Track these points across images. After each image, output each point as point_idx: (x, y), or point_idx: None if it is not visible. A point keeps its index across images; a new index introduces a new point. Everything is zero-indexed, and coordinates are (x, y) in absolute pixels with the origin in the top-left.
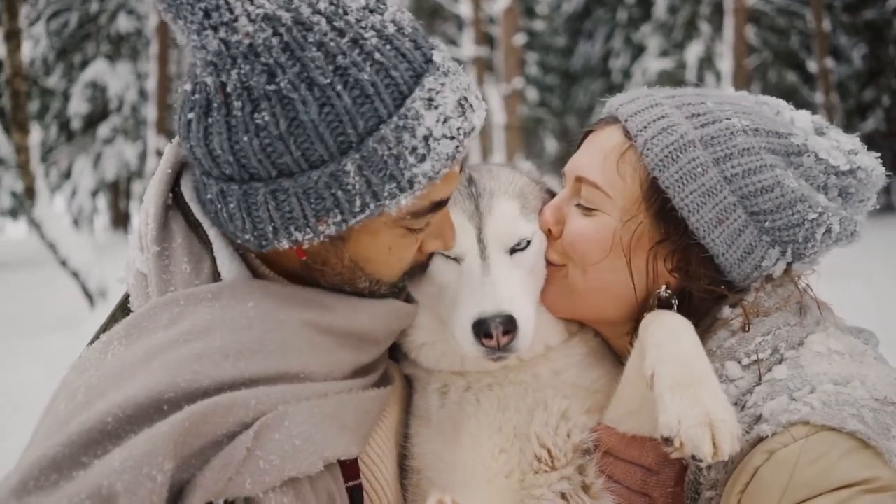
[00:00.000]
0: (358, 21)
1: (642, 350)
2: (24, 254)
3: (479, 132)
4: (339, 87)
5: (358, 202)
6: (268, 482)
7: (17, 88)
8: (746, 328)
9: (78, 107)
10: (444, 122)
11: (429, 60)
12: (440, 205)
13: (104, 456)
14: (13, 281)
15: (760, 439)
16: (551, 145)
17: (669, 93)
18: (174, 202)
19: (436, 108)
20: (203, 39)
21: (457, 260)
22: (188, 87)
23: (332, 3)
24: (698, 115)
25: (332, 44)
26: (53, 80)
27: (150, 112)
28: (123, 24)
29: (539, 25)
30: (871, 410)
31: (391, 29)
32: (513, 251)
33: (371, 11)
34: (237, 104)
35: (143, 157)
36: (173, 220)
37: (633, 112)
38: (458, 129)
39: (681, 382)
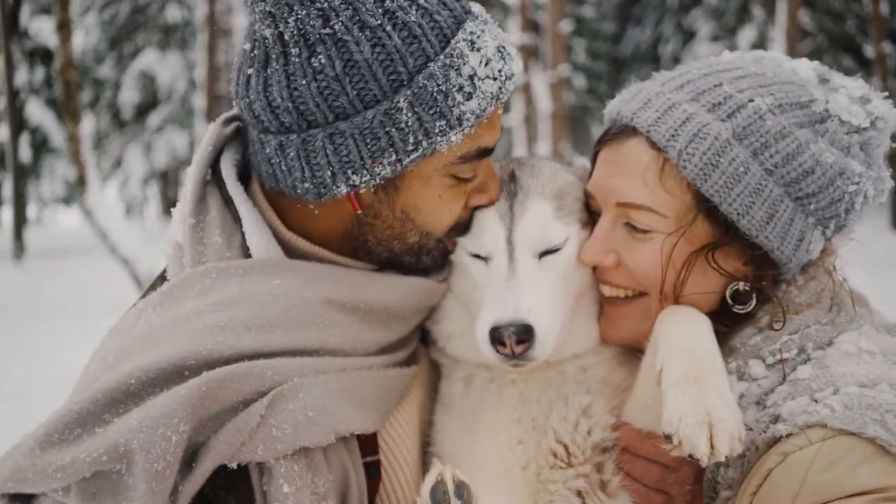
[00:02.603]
0: None
1: (655, 345)
2: (77, 241)
3: (525, 120)
4: (388, 28)
5: (411, 140)
6: (279, 450)
7: (69, 78)
8: (773, 325)
9: (129, 96)
10: (487, 63)
11: (468, 10)
12: (486, 152)
13: (125, 415)
14: (66, 267)
15: (776, 440)
16: (598, 133)
17: (676, 83)
18: (213, 178)
19: (478, 50)
20: None
21: (486, 259)
22: (247, 46)
23: None
24: (719, 104)
25: None
26: (105, 70)
27: (199, 101)
28: (172, 14)
29: (588, 11)
30: (895, 416)
31: None
32: (543, 255)
33: None
34: (294, 51)
35: (192, 145)
36: (210, 195)
37: (652, 120)
38: (500, 71)
39: (686, 379)
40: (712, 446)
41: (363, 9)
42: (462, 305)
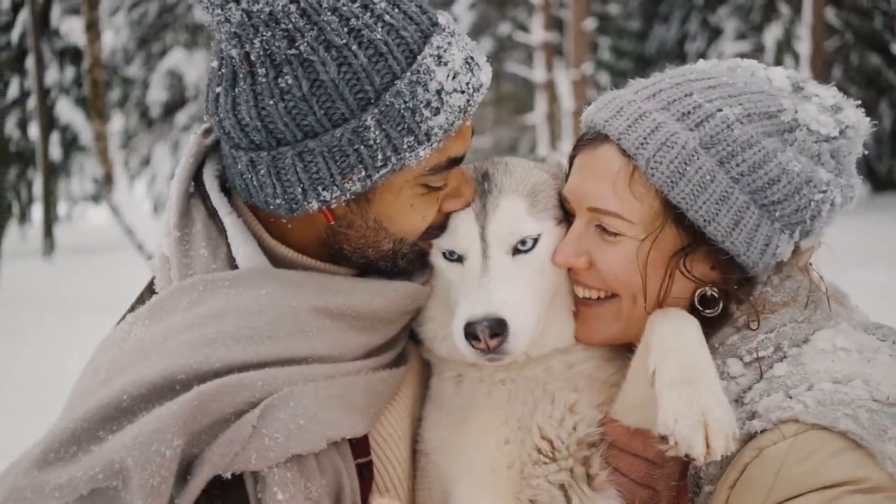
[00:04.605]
0: None
1: (647, 346)
2: (106, 238)
3: (548, 118)
4: (354, 47)
5: (380, 156)
6: (272, 458)
7: (96, 78)
8: (749, 325)
9: (157, 95)
10: (454, 77)
11: (435, 23)
12: (456, 161)
13: (119, 432)
14: (95, 263)
15: (752, 435)
16: None
17: (648, 92)
18: (196, 190)
19: (445, 64)
20: (227, 13)
21: (461, 259)
22: (214, 63)
23: None
24: (688, 113)
25: (344, 8)
26: (134, 69)
27: None
28: (199, 13)
29: (613, 9)
30: (867, 411)
31: None
32: (516, 251)
33: None
34: (261, 71)
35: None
36: (194, 208)
37: (623, 128)
38: (468, 83)
39: (680, 380)
40: (708, 446)
41: (328, 28)
42: (444, 307)
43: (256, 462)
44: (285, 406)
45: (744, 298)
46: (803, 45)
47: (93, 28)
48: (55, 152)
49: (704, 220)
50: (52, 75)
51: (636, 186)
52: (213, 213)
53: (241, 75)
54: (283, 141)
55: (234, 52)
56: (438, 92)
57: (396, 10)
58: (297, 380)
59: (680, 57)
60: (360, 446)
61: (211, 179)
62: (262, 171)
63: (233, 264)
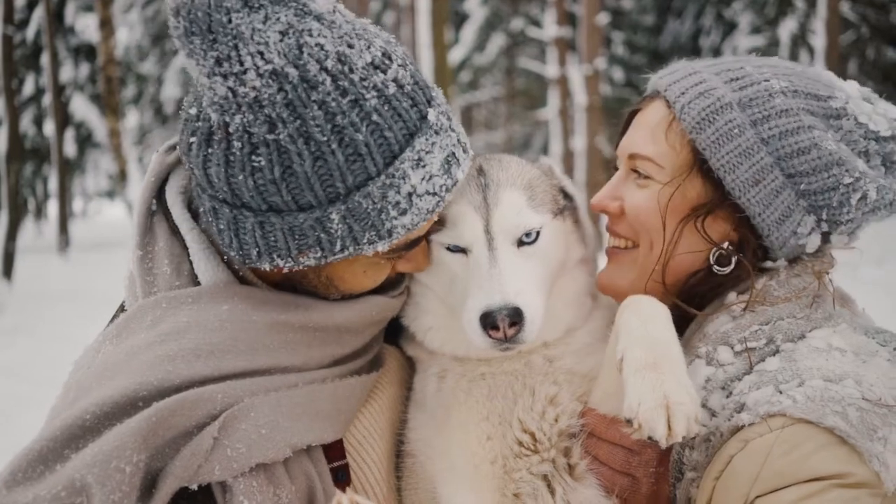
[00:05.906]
0: (362, 80)
1: (616, 335)
2: (121, 233)
3: (560, 113)
4: (334, 145)
5: (338, 245)
6: (236, 468)
7: (111, 74)
8: (748, 304)
9: (171, 92)
10: (429, 179)
11: (423, 118)
12: (416, 242)
13: (83, 450)
14: (109, 259)
15: (739, 428)
16: None
17: (710, 62)
18: (159, 208)
19: (423, 167)
20: (212, 83)
21: (465, 251)
22: (193, 111)
23: (339, 61)
24: (736, 79)
25: (333, 103)
26: (148, 66)
27: None
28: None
29: (627, 3)
30: (857, 409)
31: (391, 89)
32: (521, 243)
33: (376, 69)
34: (237, 144)
35: None
36: (157, 225)
37: (671, 82)
38: (441, 185)
39: (646, 366)
40: (670, 429)
41: (312, 123)
42: (439, 300)
43: (220, 473)
44: (246, 417)
45: (746, 266)
46: (818, 40)
47: (107, 25)
48: (70, 149)
49: (724, 171)
50: (66, 72)
51: (672, 135)
52: (175, 231)
53: (216, 138)
54: (247, 206)
55: (213, 116)
56: (410, 195)
57: (387, 108)
58: (258, 391)
59: (694, 52)
60: (334, 450)
61: (174, 196)
62: (223, 223)
63: (196, 281)
